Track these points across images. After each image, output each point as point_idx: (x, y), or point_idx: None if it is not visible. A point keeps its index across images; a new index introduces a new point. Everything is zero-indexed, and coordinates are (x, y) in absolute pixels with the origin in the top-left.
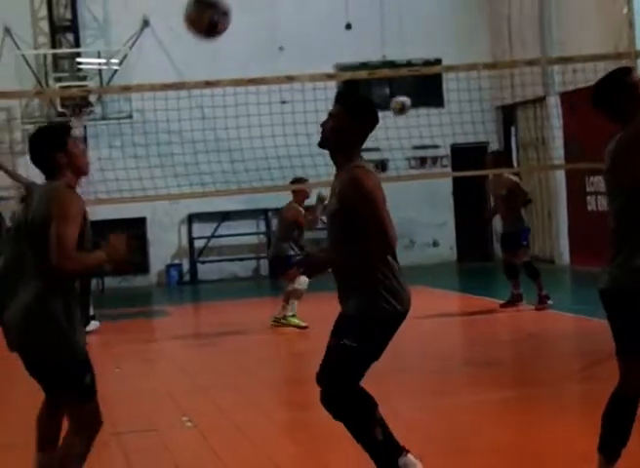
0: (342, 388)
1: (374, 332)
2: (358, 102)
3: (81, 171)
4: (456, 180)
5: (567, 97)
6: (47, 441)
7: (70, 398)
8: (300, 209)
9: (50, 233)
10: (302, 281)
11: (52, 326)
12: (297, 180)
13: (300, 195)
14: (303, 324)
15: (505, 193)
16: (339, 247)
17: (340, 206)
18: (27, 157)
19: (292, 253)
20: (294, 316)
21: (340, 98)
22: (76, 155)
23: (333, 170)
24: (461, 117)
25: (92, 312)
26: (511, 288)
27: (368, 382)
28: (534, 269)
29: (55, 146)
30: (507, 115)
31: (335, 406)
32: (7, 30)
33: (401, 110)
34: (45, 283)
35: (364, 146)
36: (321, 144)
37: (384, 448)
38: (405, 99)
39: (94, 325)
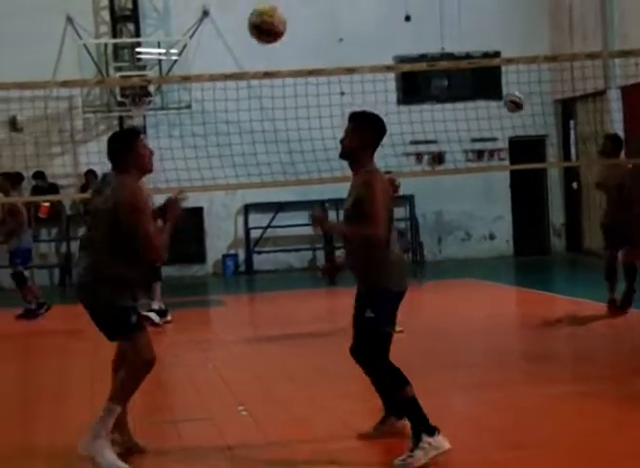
0: (374, 355)
1: (383, 303)
2: (366, 118)
3: (145, 169)
4: (513, 173)
5: (628, 91)
6: None
7: (121, 335)
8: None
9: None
10: None
11: (101, 285)
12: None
13: None
14: (399, 329)
15: (620, 182)
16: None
17: (354, 203)
18: (88, 145)
19: None
20: None
21: (351, 117)
22: (142, 155)
23: (391, 161)
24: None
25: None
26: (609, 291)
27: (423, 376)
28: (635, 270)
29: (125, 147)
30: (567, 108)
31: (366, 363)
32: (69, 19)
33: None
34: (99, 254)
35: (422, 138)
36: (341, 156)
37: (419, 406)
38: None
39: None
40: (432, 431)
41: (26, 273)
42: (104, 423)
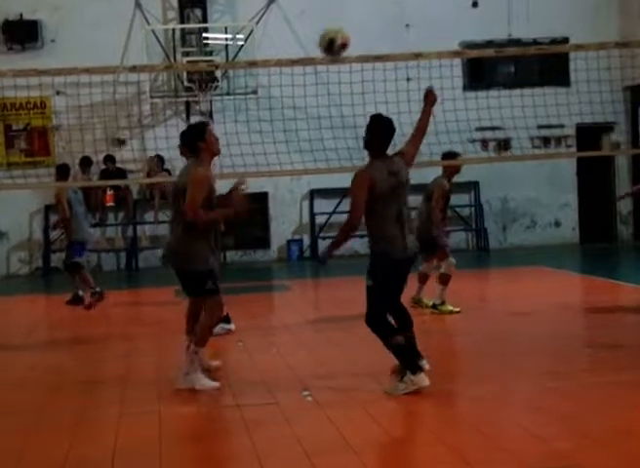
0: (373, 313)
1: (379, 270)
2: (372, 122)
3: (214, 153)
4: (580, 160)
5: None
6: (191, 328)
7: (202, 294)
8: (447, 184)
9: (186, 196)
10: (450, 263)
11: (186, 251)
12: (447, 155)
13: (450, 169)
14: (456, 309)
15: None
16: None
17: None
18: (155, 130)
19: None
20: (443, 303)
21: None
22: (211, 142)
23: (457, 148)
24: (589, 97)
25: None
26: None
27: (489, 362)
28: None
29: (197, 137)
30: (636, 95)
31: (370, 324)
32: (138, 5)
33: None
34: (183, 226)
35: (488, 125)
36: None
37: (406, 351)
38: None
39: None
40: (415, 370)
41: (81, 261)
42: (193, 362)
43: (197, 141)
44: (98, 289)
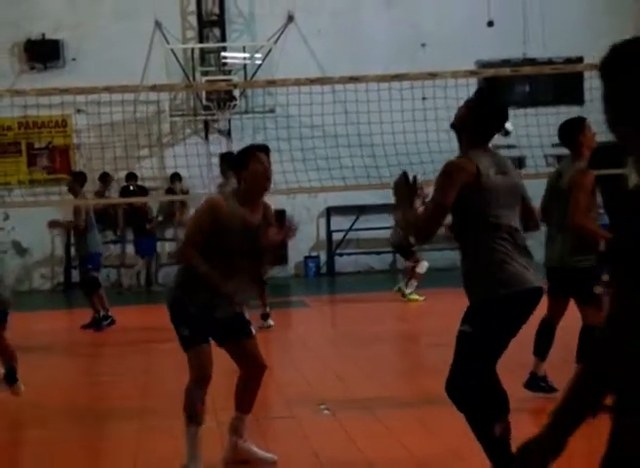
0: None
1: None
2: (479, 98)
3: (254, 187)
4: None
5: None
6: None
7: (181, 344)
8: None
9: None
10: (423, 266)
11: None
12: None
13: None
14: (421, 298)
15: None
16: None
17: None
18: (174, 149)
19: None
20: (412, 294)
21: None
22: (255, 172)
23: None
24: (603, 116)
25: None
26: None
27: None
28: None
29: (239, 165)
30: None
31: (458, 395)
32: (157, 24)
33: None
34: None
35: (503, 143)
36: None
37: (500, 449)
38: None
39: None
40: None
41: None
42: (188, 446)
43: (239, 169)
44: (109, 313)
